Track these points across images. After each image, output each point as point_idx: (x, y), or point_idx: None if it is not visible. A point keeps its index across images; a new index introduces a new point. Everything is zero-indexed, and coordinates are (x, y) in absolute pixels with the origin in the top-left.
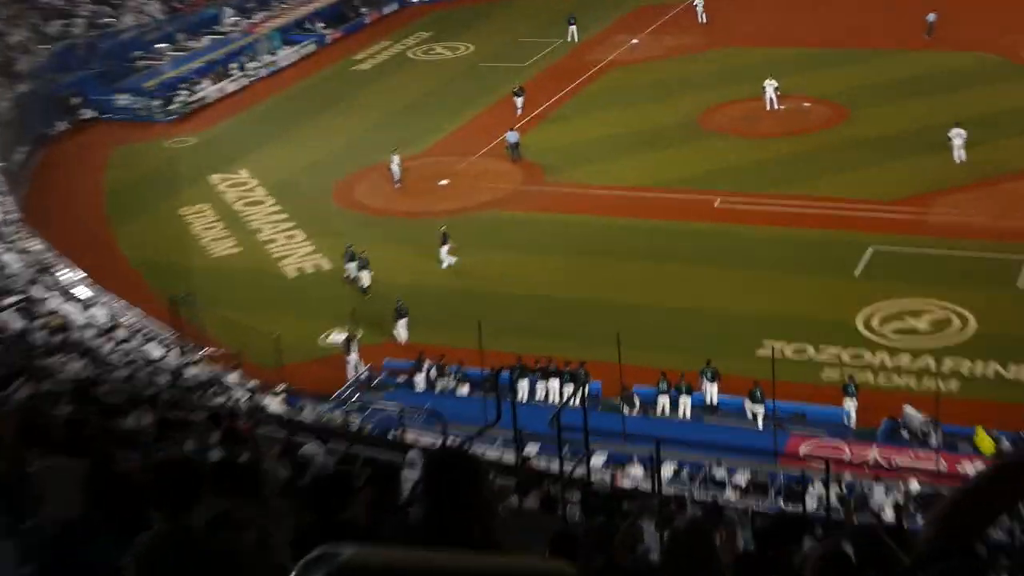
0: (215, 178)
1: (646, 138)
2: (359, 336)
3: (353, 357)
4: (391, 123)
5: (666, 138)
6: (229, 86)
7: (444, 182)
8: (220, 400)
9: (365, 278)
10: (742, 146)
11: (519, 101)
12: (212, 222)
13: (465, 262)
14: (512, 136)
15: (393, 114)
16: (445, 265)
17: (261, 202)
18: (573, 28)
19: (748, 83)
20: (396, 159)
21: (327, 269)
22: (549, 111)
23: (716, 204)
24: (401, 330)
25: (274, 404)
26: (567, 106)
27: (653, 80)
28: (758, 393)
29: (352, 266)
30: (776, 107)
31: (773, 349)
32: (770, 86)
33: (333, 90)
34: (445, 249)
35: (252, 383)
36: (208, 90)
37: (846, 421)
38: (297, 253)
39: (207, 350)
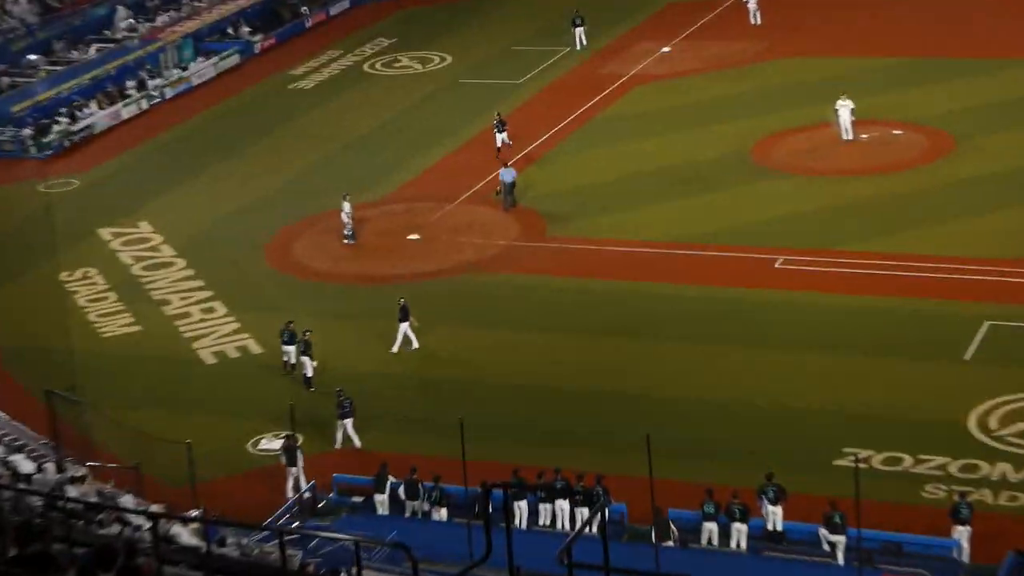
0: (106, 233)
1: (682, 178)
2: (299, 443)
3: (294, 471)
4: (342, 159)
5: (708, 178)
6: (124, 111)
7: (414, 237)
8: (112, 530)
9: (308, 366)
10: (810, 188)
11: (501, 138)
12: (102, 291)
13: (442, 343)
14: (507, 175)
15: (345, 148)
16: (398, 347)
17: (168, 264)
18: (580, 31)
19: (816, 104)
20: (347, 207)
21: (257, 353)
22: (553, 143)
23: (776, 265)
24: (350, 434)
25: (186, 535)
26: (576, 136)
27: (690, 101)
28: (837, 518)
29: (291, 349)
30: (853, 136)
31: (857, 459)
32: (845, 108)
33: (264, 116)
34: (404, 328)
35: (156, 507)
36: (96, 116)
37: (956, 555)
38: (217, 332)
39: (94, 463)
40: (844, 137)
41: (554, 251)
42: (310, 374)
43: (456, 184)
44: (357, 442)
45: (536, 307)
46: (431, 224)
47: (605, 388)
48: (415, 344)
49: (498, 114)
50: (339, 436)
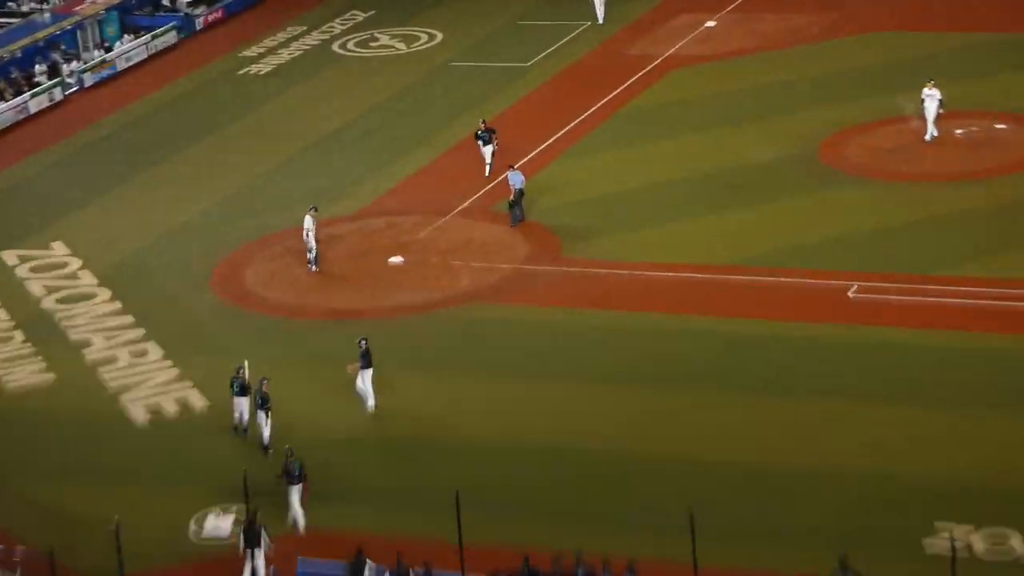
0: (10, 256)
1: (730, 185)
2: (259, 521)
3: (257, 555)
4: (306, 163)
5: (764, 185)
6: (32, 103)
7: (396, 260)
8: None
9: (264, 424)
10: (892, 197)
11: (488, 151)
12: (5, 330)
13: (431, 394)
14: (515, 179)
15: (310, 148)
16: (369, 405)
17: (88, 296)
18: (600, 1)
19: (897, 92)
20: (309, 223)
21: (201, 408)
22: (569, 142)
23: (850, 294)
24: (293, 508)
25: None
26: (599, 133)
27: (740, 88)
28: None
29: (243, 403)
30: (939, 133)
31: (952, 539)
32: (932, 99)
33: (209, 109)
34: (364, 379)
35: None
36: None
37: None
38: (150, 381)
39: None
40: (929, 134)
41: (571, 277)
42: (267, 434)
43: (449, 194)
44: (301, 521)
45: (549, 348)
46: (418, 244)
47: (636, 450)
48: (370, 403)
49: (483, 121)
50: (294, 509)
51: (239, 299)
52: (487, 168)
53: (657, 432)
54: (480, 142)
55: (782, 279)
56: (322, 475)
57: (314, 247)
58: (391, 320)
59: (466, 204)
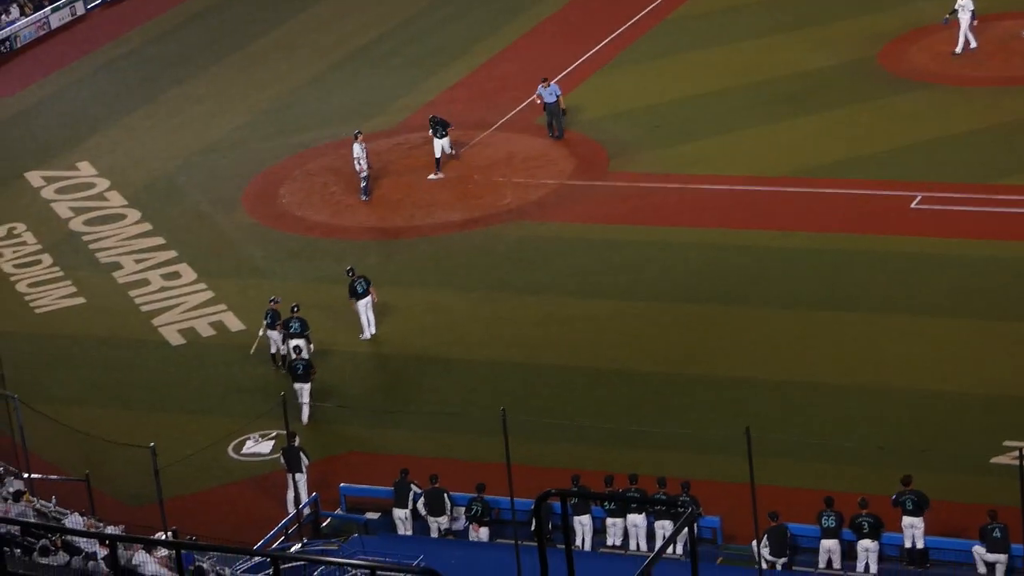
0: (36, 177)
1: (786, 94)
2: (300, 443)
3: (299, 479)
4: (339, 78)
5: (821, 92)
6: (54, 18)
7: (435, 176)
8: (59, 559)
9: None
10: (959, 103)
11: (441, 145)
12: (32, 254)
13: (474, 314)
14: (549, 93)
15: (343, 62)
16: (365, 335)
17: (118, 217)
18: None
19: None
20: (359, 150)
21: (237, 331)
22: (615, 49)
23: (914, 205)
24: (303, 404)
25: (152, 564)
26: (647, 40)
27: None
28: (997, 532)
29: (275, 335)
30: (975, 43)
31: (1022, 453)
32: (965, 8)
33: (237, 21)
34: (363, 307)
35: (113, 529)
36: (18, 25)
37: None
38: (183, 304)
39: (32, 476)
40: (960, 47)
41: (619, 192)
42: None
43: (490, 106)
44: (305, 413)
45: (597, 266)
46: (458, 159)
47: (690, 371)
48: (368, 332)
49: (432, 117)
50: (306, 411)
51: (273, 219)
52: (438, 162)
53: (712, 351)
54: (433, 134)
55: (841, 190)
56: (362, 397)
57: (365, 175)
58: (431, 239)
59: (507, 117)
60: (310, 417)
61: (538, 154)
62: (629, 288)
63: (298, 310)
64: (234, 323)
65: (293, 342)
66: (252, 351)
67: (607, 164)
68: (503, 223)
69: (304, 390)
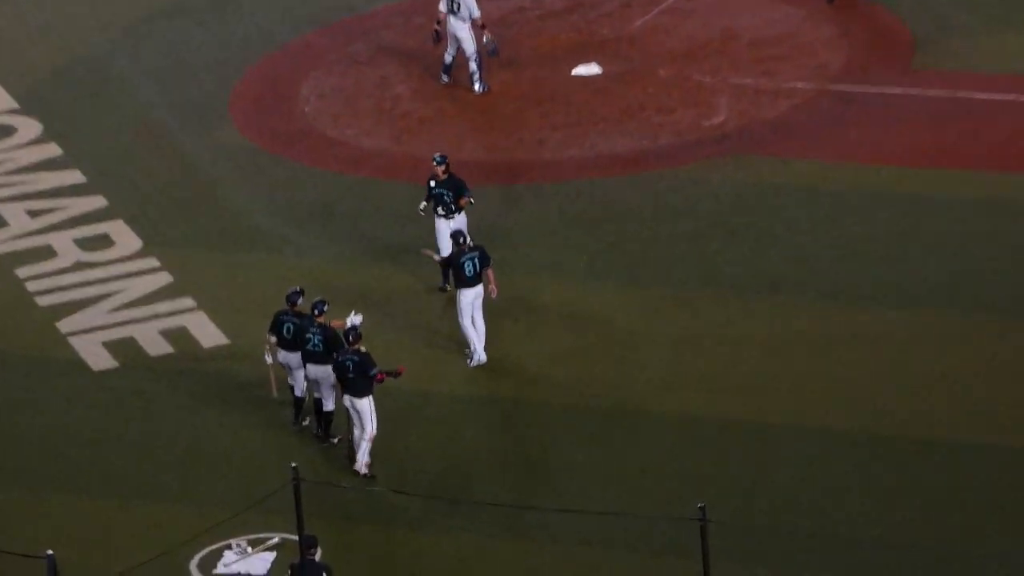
0: None
1: None
2: (318, 557)
3: None
4: None
5: None
6: None
7: (586, 69)
8: None
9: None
10: None
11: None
12: None
13: (654, 331)
14: None
15: None
16: (476, 358)
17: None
18: None
19: None
20: (459, 26)
21: (212, 346)
22: None
23: None
24: (362, 441)
25: None
26: None
27: None
28: None
29: (292, 360)
30: None
31: None
32: None
33: None
34: (467, 305)
35: None
36: None
37: None
38: (116, 296)
39: None
40: None
41: (928, 103)
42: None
43: None
44: (363, 454)
45: (885, 246)
46: (628, 41)
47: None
48: (478, 352)
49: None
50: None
51: (286, 142)
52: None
53: None
54: (437, 164)
55: None
56: (465, 480)
57: (474, 56)
58: (573, 184)
59: None
60: (369, 467)
61: (781, 33)
62: (951, 286)
63: (322, 312)
64: (208, 332)
65: (314, 369)
66: (275, 393)
67: (910, 56)
68: (706, 159)
69: (364, 409)
